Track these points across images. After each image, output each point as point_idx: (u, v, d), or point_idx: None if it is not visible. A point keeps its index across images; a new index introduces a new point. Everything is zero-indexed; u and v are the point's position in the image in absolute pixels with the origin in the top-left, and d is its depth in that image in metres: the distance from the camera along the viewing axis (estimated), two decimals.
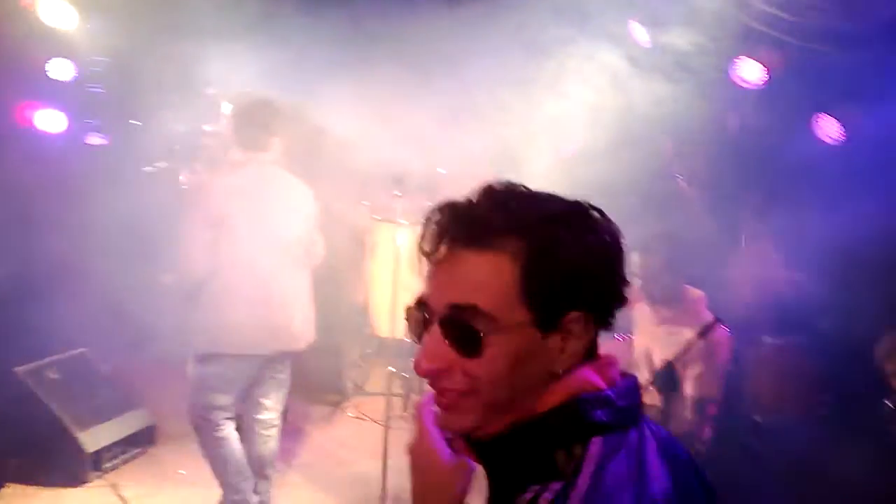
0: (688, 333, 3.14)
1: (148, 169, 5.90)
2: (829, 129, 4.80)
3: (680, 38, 4.89)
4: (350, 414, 5.02)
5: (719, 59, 4.87)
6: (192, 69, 5.96)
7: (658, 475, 0.93)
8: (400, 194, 4.15)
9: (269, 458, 3.64)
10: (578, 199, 1.01)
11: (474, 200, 0.98)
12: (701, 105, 4.99)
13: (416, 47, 5.02)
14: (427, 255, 0.99)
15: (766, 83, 4.98)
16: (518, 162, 5.79)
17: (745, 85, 5.04)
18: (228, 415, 3.49)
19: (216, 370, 3.39)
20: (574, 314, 0.95)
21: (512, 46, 5.31)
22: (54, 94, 7.40)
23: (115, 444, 4.11)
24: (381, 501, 3.65)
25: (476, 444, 1.01)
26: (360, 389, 5.36)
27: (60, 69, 7.28)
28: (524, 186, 1.01)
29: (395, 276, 5.03)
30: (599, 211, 1.00)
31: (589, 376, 0.98)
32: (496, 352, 0.94)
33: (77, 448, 3.93)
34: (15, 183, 6.48)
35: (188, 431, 4.49)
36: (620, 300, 1.00)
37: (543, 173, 6.01)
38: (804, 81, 4.82)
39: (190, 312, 3.40)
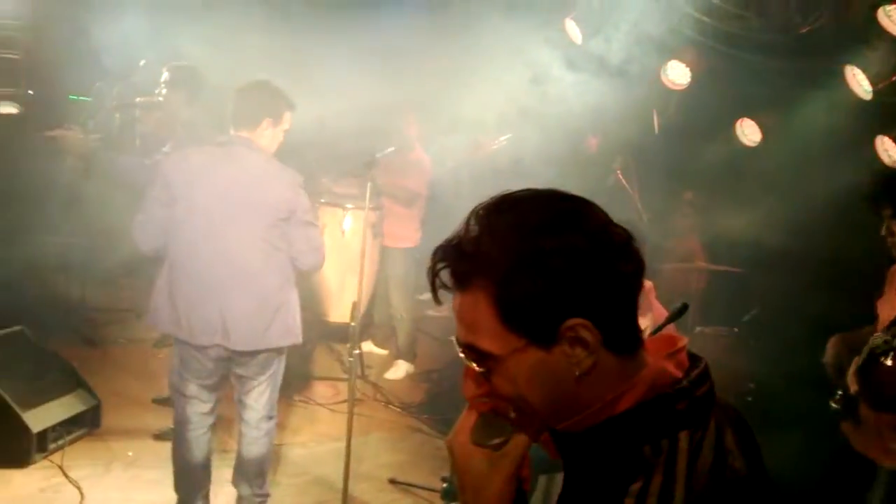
0: (643, 322, 3.36)
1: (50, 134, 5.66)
2: (749, 131, 5.19)
3: (611, 38, 5.14)
4: (296, 398, 5.05)
5: (647, 59, 5.11)
6: (124, 38, 5.81)
7: (738, 454, 1.00)
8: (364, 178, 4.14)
9: (256, 462, 3.43)
10: (570, 196, 1.03)
11: (456, 238, 1.02)
12: (628, 104, 5.28)
13: (372, 35, 5.11)
14: (436, 296, 1.06)
15: (690, 85, 5.27)
16: (444, 153, 5.98)
17: (672, 87, 5.33)
18: (202, 410, 3.32)
19: (178, 353, 3.28)
20: (570, 322, 0.97)
21: (447, 39, 5.47)
22: None
23: (60, 423, 4.00)
24: (344, 482, 3.70)
25: (559, 439, 1.06)
26: (305, 374, 5.39)
27: None
28: (513, 196, 1.03)
29: (341, 261, 5.11)
30: (590, 206, 1.03)
31: (663, 366, 1.03)
32: (508, 379, 1.01)
33: (22, 428, 3.79)
34: None
35: (133, 413, 4.49)
36: (622, 290, 1.00)
37: (467, 163, 6.24)
38: (727, 85, 5.16)
39: (150, 290, 3.32)
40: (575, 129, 5.57)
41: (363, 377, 5.35)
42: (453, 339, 1.06)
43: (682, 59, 5.13)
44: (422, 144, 5.62)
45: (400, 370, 5.64)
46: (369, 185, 4.21)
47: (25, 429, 3.82)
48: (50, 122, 6.50)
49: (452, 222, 1.06)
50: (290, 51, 5.22)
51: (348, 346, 4.31)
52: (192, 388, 3.28)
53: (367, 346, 5.76)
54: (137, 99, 5.07)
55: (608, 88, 5.05)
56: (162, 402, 4.37)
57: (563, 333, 0.97)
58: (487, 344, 1.00)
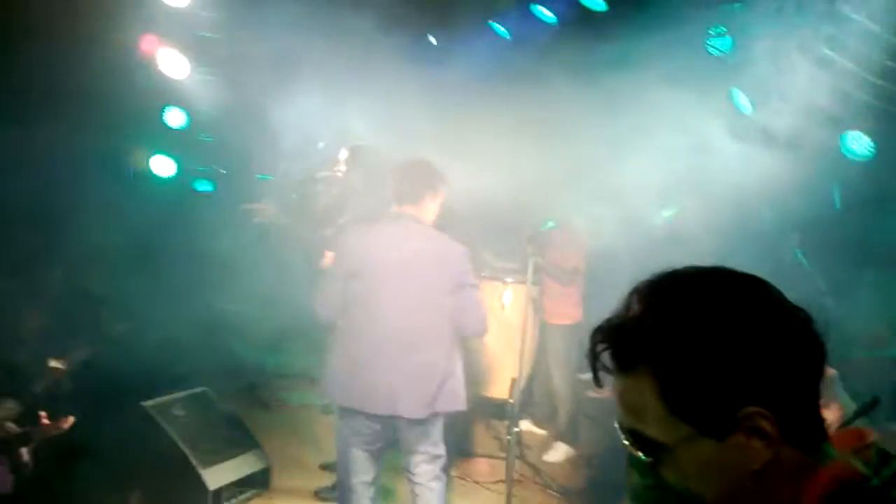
0: (827, 415, 3.11)
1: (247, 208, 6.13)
2: None
3: (780, 109, 4.93)
4: (454, 474, 5.04)
5: (820, 129, 4.86)
6: (301, 121, 6.28)
7: None
8: (533, 252, 4.19)
9: None
10: (741, 274, 0.97)
11: (617, 318, 0.98)
12: (803, 175, 4.99)
13: (531, 107, 5.20)
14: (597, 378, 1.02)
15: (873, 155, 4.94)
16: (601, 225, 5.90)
17: (852, 157, 5.01)
18: (365, 479, 3.45)
19: (346, 421, 3.45)
20: (748, 410, 0.90)
21: (613, 110, 5.45)
22: (168, 140, 7.84)
23: (234, 483, 4.24)
24: None
25: None
26: (462, 450, 5.37)
27: (174, 117, 7.74)
28: (679, 273, 0.98)
29: (500, 336, 5.10)
30: (764, 285, 0.96)
31: (849, 463, 0.94)
32: (676, 470, 0.95)
33: (200, 485, 4.05)
34: (133, 224, 6.84)
35: (300, 476, 4.67)
36: (802, 377, 0.94)
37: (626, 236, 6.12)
38: None
39: (326, 359, 3.51)
40: (743, 202, 5.34)
41: (521, 457, 5.25)
42: (616, 424, 1.02)
43: (861, 128, 4.83)
44: (580, 218, 5.58)
45: (559, 452, 5.48)
46: (531, 260, 4.25)
47: (203, 486, 4.07)
48: (240, 198, 7.15)
49: (612, 299, 1.03)
50: (450, 124, 5.41)
51: (506, 423, 4.30)
52: (358, 455, 3.41)
53: (526, 425, 5.65)
54: (319, 174, 5.46)
55: (779, 160, 4.82)
56: (328, 467, 4.52)
57: (738, 423, 0.91)
58: (653, 431, 0.95)
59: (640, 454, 0.97)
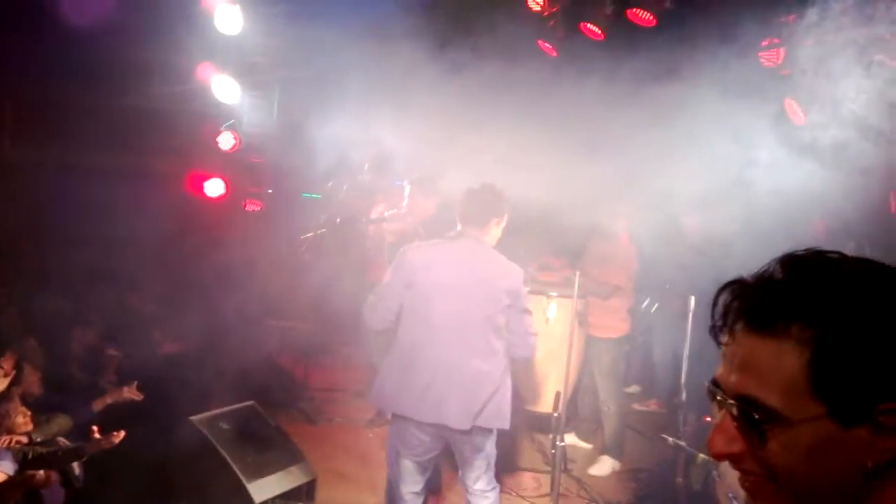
0: None
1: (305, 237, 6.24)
2: None
3: (835, 118, 4.81)
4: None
5: (876, 138, 4.72)
6: (346, 141, 6.37)
7: None
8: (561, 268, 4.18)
9: None
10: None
11: (765, 276, 0.90)
12: (858, 185, 4.85)
13: (585, 122, 5.17)
14: (715, 333, 0.93)
15: None
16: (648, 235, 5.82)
17: None
18: (414, 489, 3.50)
19: (397, 431, 3.50)
20: (890, 405, 0.83)
21: (660, 124, 5.38)
22: (219, 162, 8.04)
23: (279, 496, 4.25)
24: None
25: None
26: (507, 463, 5.32)
27: (225, 140, 7.93)
28: (837, 255, 0.91)
29: (545, 349, 5.05)
30: None
31: None
32: (784, 446, 0.86)
33: (246, 498, 4.08)
34: (182, 244, 7.01)
35: (345, 490, 4.67)
36: None
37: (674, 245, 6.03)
38: None
39: (366, 372, 3.55)
40: (796, 212, 5.21)
41: (566, 471, 5.17)
42: (707, 384, 0.93)
43: None
44: (626, 232, 5.52)
45: (605, 466, 5.39)
46: (577, 274, 4.23)
47: (249, 499, 4.09)
48: (286, 217, 7.28)
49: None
50: (496, 141, 5.41)
51: (551, 436, 4.25)
52: (407, 465, 3.46)
53: (571, 439, 5.59)
54: (386, 213, 5.57)
55: (833, 170, 4.70)
56: None
57: (872, 415, 0.83)
58: (777, 401, 0.85)
59: (748, 421, 0.88)
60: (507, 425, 3.56)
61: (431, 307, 3.43)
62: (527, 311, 3.57)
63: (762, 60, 5.40)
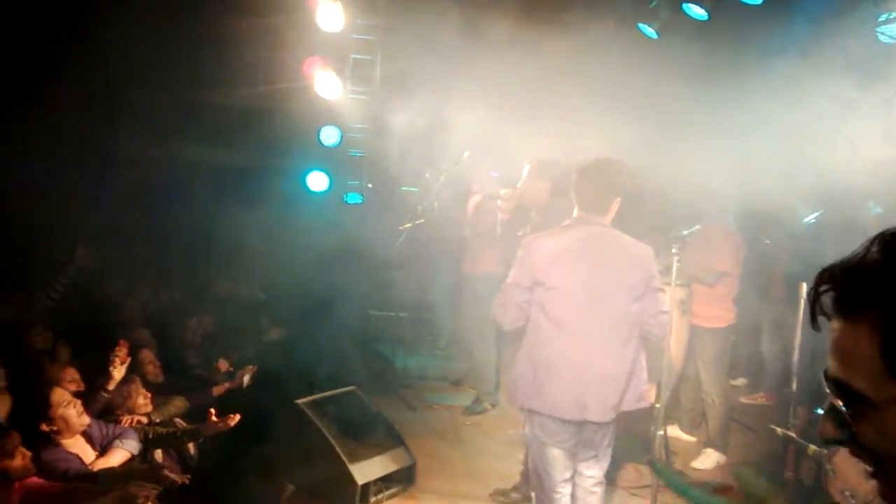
0: None
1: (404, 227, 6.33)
2: None
3: None
4: None
5: None
6: (445, 133, 6.42)
7: None
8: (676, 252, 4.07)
9: None
10: None
11: (852, 261, 0.90)
12: None
13: (682, 108, 5.02)
14: (814, 318, 0.93)
15: None
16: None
17: None
18: (566, 475, 3.43)
19: (536, 426, 3.42)
20: None
21: (771, 105, 5.14)
22: (322, 157, 8.28)
23: (380, 479, 4.36)
24: None
25: None
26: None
27: (328, 135, 8.15)
28: None
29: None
30: None
31: None
32: (876, 428, 0.87)
33: (349, 480, 4.20)
34: (289, 236, 7.27)
35: (443, 474, 4.74)
36: None
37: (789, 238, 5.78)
38: None
39: (511, 364, 3.54)
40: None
41: (668, 463, 5.05)
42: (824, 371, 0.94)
43: None
44: (733, 219, 5.32)
45: (709, 460, 5.22)
46: (675, 261, 4.11)
47: (352, 480, 4.21)
48: (386, 210, 7.41)
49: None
50: (598, 129, 5.32)
51: (652, 428, 4.16)
52: (555, 453, 3.39)
53: (673, 431, 5.44)
54: (501, 191, 5.56)
55: None
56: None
57: None
58: (862, 384, 0.87)
59: (842, 404, 0.90)
60: (648, 403, 3.49)
61: (563, 306, 3.30)
62: (660, 290, 3.41)
63: (881, 35, 5.09)
